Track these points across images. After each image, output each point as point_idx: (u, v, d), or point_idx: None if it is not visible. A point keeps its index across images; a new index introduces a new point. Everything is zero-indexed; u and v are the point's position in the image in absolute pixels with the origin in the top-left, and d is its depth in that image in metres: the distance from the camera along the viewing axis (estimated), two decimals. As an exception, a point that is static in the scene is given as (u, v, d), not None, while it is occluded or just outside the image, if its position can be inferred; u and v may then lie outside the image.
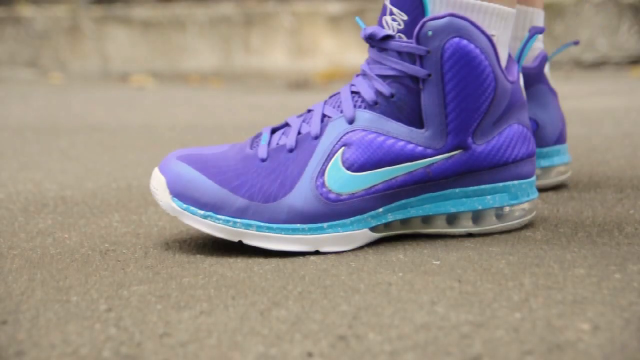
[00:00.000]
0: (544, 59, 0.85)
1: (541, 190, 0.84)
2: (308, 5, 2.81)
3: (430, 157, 0.65)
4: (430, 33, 0.62)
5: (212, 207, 0.63)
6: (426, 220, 0.67)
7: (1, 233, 0.73)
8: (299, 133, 0.66)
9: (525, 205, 0.69)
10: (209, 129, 1.47)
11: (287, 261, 0.63)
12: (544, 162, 0.84)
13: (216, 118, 1.66)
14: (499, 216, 0.68)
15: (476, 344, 0.45)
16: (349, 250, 0.65)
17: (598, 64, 2.63)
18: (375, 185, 0.64)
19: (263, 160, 0.65)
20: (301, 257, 0.64)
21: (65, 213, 0.81)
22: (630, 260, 0.60)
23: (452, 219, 0.68)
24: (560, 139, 0.86)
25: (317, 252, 0.65)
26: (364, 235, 0.66)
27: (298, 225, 0.64)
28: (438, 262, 0.61)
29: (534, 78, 0.84)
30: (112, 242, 0.70)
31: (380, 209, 0.65)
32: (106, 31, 2.90)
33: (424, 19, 0.62)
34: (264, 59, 2.82)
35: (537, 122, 0.84)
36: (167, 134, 1.42)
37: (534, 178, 0.70)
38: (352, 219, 0.65)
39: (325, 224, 0.64)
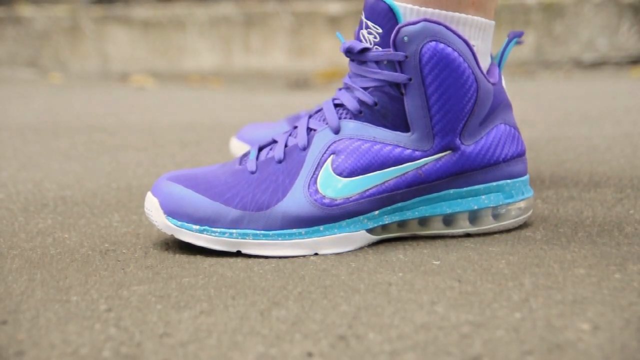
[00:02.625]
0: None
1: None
2: (308, 5, 2.81)
3: (419, 159, 0.66)
4: (406, 38, 0.63)
5: (206, 221, 0.64)
6: (423, 222, 0.68)
7: (1, 233, 0.73)
8: (286, 146, 0.68)
9: (522, 204, 0.70)
10: (209, 129, 1.47)
11: (287, 261, 0.63)
12: None
13: (216, 118, 1.66)
14: (496, 216, 0.69)
15: (476, 344, 0.46)
16: (348, 251, 0.65)
17: (598, 64, 2.63)
18: (369, 189, 0.65)
19: (252, 172, 0.67)
20: (301, 258, 0.64)
21: (65, 213, 0.81)
22: (630, 260, 0.60)
23: (449, 220, 0.68)
24: None
25: (316, 255, 0.65)
26: (362, 237, 0.66)
27: (294, 230, 0.64)
28: (438, 262, 0.61)
29: None
30: (112, 242, 0.70)
31: (376, 212, 0.66)
32: (106, 31, 2.90)
33: (399, 25, 0.63)
34: (264, 59, 2.82)
35: None
36: (167, 134, 1.42)
37: (527, 177, 0.71)
38: (347, 220, 0.65)
39: (321, 227, 0.65)
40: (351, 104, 0.66)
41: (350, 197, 0.65)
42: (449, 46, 0.63)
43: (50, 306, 0.53)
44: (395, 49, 0.64)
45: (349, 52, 0.67)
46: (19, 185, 0.96)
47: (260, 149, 0.69)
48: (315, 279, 0.58)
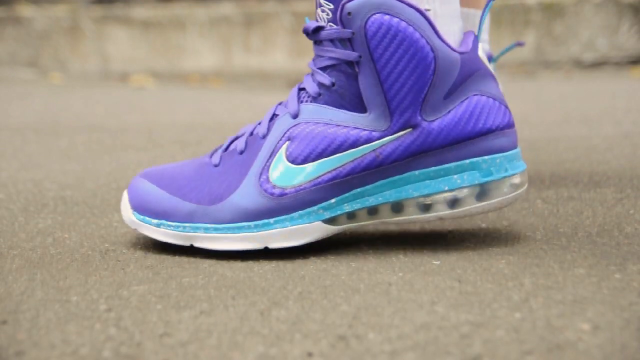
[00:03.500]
0: (488, 59, 0.86)
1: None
2: (308, 5, 2.81)
3: (377, 140, 0.62)
4: (349, 14, 0.61)
5: (163, 215, 0.65)
6: (396, 208, 0.64)
7: (1, 233, 0.73)
8: (250, 135, 0.66)
9: (507, 181, 0.64)
10: (209, 129, 1.47)
11: (287, 261, 0.63)
12: None
13: (216, 118, 1.66)
14: (479, 196, 0.63)
15: (476, 344, 0.46)
16: (342, 251, 0.65)
17: (598, 64, 2.63)
18: (321, 175, 0.62)
19: (216, 165, 0.66)
20: (301, 257, 0.64)
21: (65, 213, 0.81)
22: (630, 260, 0.60)
23: (423, 204, 0.63)
24: None
25: (267, 249, 0.64)
26: (317, 228, 0.63)
27: (244, 223, 0.63)
28: (438, 262, 0.61)
29: None
30: (112, 242, 0.70)
31: (333, 200, 0.63)
32: (106, 31, 2.90)
33: (343, 1, 0.61)
34: (264, 59, 2.82)
35: None
36: (167, 134, 1.42)
37: (513, 151, 0.64)
38: (300, 212, 0.63)
39: (271, 220, 0.63)
40: (311, 86, 0.64)
41: (301, 186, 0.62)
42: (395, 17, 0.60)
43: (50, 306, 0.53)
44: (343, 25, 0.62)
45: (306, 32, 0.65)
46: (19, 185, 0.96)
47: (232, 140, 0.68)
48: (315, 279, 0.58)
